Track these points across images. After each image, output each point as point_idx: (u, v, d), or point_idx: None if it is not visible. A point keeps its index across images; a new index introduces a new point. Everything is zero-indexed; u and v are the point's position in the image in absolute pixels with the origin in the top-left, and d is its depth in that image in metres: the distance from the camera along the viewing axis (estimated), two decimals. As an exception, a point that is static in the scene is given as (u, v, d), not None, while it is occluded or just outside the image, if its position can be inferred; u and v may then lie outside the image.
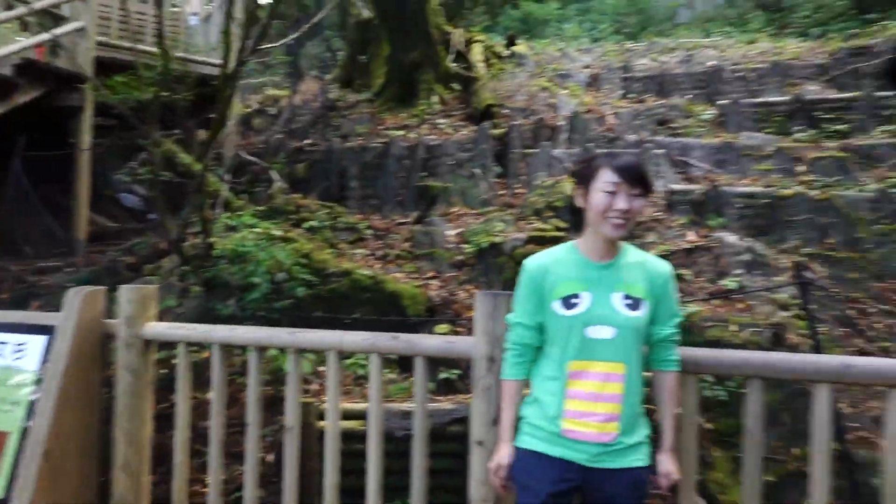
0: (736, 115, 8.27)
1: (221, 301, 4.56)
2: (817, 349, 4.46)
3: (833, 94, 8.26)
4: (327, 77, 10.84)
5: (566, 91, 9.29)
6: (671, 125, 8.49)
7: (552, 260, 2.08)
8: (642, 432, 2.01)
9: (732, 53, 10.51)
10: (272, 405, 3.79)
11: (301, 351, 2.81)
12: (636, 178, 1.97)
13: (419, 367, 2.60)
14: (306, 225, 5.47)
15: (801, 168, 7.35)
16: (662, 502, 3.50)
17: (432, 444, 2.62)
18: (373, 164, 7.22)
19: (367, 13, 11.45)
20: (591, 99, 9.16)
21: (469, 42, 9.66)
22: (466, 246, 6.07)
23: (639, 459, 1.98)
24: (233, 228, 5.19)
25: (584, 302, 1.98)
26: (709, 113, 8.61)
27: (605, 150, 1.99)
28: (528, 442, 2.04)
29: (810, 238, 6.46)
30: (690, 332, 5.11)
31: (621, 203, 1.93)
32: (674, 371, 2.10)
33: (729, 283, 5.73)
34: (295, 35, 9.48)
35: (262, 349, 2.89)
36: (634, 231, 6.48)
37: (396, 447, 4.01)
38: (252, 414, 2.82)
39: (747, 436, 2.24)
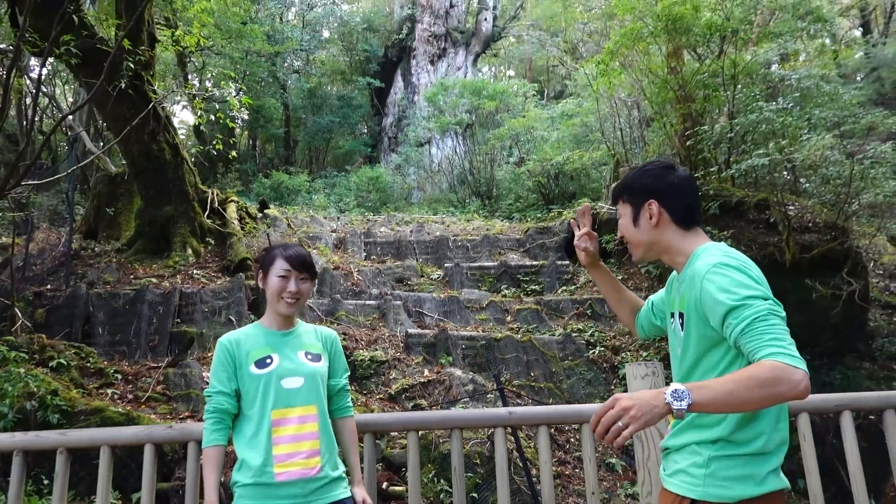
0: (458, 276, 9.90)
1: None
2: (518, 447, 5.48)
3: (528, 262, 10.40)
4: (66, 229, 10.48)
5: (316, 250, 10.25)
6: (408, 282, 9.82)
7: (243, 335, 2.46)
8: (341, 468, 2.47)
9: (455, 228, 12.60)
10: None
11: (70, 450, 2.95)
12: (304, 266, 2.46)
13: (192, 452, 2.92)
14: (53, 363, 5.24)
15: (509, 318, 9.03)
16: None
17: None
18: (123, 310, 7.15)
19: (113, 168, 11.55)
20: (338, 258, 10.22)
21: (225, 201, 10.28)
22: (222, 385, 6.27)
23: (344, 491, 2.40)
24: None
25: (276, 361, 2.39)
26: (437, 273, 10.16)
27: (281, 244, 2.66)
28: (246, 503, 2.29)
29: (518, 372, 7.87)
30: (427, 450, 5.89)
31: (292, 286, 2.43)
32: (351, 416, 2.62)
33: (458, 407, 6.72)
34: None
35: (26, 453, 2.94)
36: (379, 369, 7.30)
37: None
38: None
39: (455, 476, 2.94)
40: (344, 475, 2.47)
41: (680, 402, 1.50)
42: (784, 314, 1.65)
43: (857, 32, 21.36)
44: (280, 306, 2.46)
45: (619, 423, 1.49)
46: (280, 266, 2.45)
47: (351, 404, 2.64)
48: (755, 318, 1.60)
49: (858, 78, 17.96)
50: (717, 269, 1.71)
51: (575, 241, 2.25)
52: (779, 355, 1.54)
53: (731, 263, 1.71)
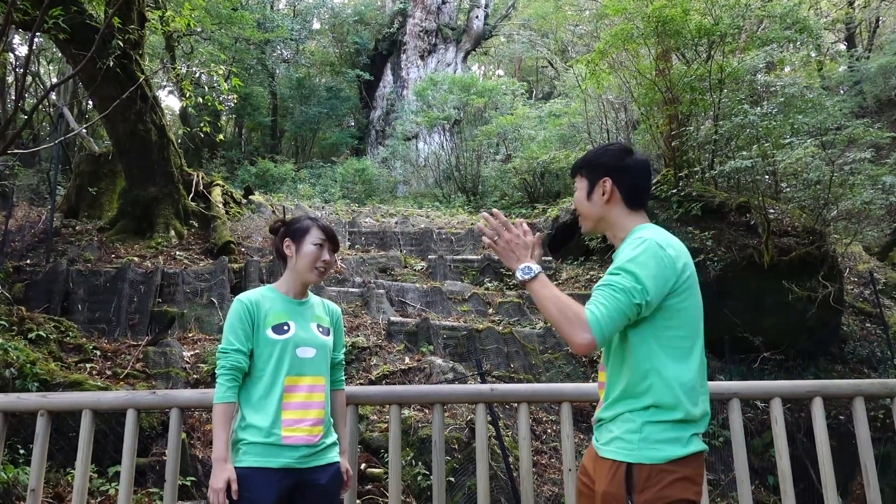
0: (442, 267, 9.93)
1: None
2: (497, 434, 5.54)
3: (512, 256, 10.46)
4: (46, 208, 10.35)
5: (300, 238, 10.23)
6: (391, 272, 9.84)
7: (260, 297, 2.47)
8: (334, 435, 2.55)
9: (439, 221, 12.64)
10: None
11: (56, 413, 2.94)
12: (334, 238, 2.55)
13: (174, 418, 2.93)
14: (32, 335, 5.18)
15: (491, 310, 9.08)
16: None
17: None
18: (104, 288, 7.08)
19: (96, 148, 11.43)
20: (322, 246, 10.20)
21: (210, 185, 10.22)
22: (203, 366, 6.26)
23: (335, 456, 2.50)
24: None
25: (292, 329, 2.43)
26: (421, 265, 10.19)
27: (308, 215, 2.73)
28: (249, 460, 2.30)
29: (499, 363, 7.93)
30: (406, 434, 5.92)
31: (327, 255, 2.51)
32: (343, 390, 2.70)
33: (437, 397, 6.75)
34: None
35: (6, 414, 2.93)
36: (360, 355, 7.32)
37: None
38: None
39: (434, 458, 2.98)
40: (336, 442, 2.55)
41: (524, 275, 1.89)
42: (638, 298, 1.83)
43: (842, 46, 21.72)
44: (312, 275, 2.50)
45: (491, 240, 1.95)
46: (316, 235, 2.50)
47: (344, 378, 2.71)
48: (610, 283, 1.84)
49: (842, 91, 18.28)
50: (634, 241, 1.94)
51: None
52: (590, 313, 1.79)
53: (649, 245, 1.89)
